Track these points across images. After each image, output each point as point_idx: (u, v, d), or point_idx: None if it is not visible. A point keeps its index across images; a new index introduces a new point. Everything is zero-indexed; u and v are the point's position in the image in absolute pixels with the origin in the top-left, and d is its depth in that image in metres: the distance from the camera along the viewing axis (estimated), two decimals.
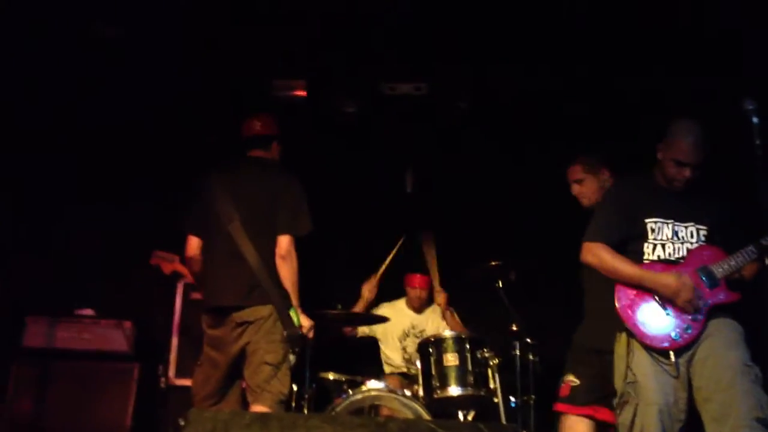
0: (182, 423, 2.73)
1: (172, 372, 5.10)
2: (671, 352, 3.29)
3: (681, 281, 3.32)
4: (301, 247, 3.86)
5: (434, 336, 4.30)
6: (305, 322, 3.80)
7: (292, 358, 3.83)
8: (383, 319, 4.83)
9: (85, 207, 5.42)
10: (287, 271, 3.77)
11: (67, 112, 5.25)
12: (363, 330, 5.20)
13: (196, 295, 4.83)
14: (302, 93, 5.41)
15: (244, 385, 3.77)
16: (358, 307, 5.10)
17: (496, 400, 4.13)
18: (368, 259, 5.22)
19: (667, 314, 3.35)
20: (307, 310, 3.88)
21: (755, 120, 2.98)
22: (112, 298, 5.25)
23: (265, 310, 3.71)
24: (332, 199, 5.12)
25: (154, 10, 4.81)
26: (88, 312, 5.13)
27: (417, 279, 5.18)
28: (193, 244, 3.96)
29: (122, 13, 4.85)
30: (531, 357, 4.42)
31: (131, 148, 5.36)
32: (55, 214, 5.41)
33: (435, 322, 5.15)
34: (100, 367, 4.95)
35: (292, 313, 3.76)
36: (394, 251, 5.15)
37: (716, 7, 4.49)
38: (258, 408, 3.57)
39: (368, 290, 5.12)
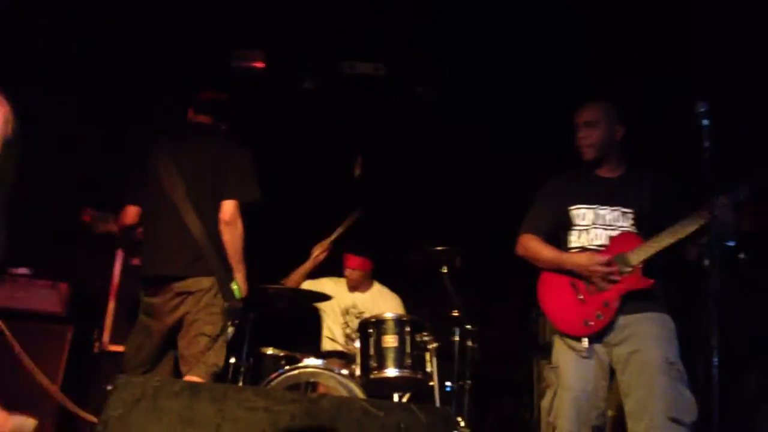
0: (109, 388, 2.67)
1: (106, 337, 5.02)
2: (584, 338, 3.34)
3: (593, 258, 3.36)
4: (245, 218, 3.81)
5: (375, 317, 4.29)
6: (245, 289, 3.75)
7: (230, 330, 3.79)
8: (325, 297, 4.80)
9: (27, 162, 5.25)
10: (230, 237, 3.71)
11: None
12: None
13: (136, 261, 4.74)
14: (261, 64, 5.35)
15: (177, 355, 3.73)
16: (305, 267, 5.06)
17: (432, 383, 4.14)
18: (312, 236, 5.17)
19: (581, 300, 3.40)
20: (249, 284, 3.85)
21: (705, 122, 3.02)
22: (51, 258, 5.10)
23: (206, 281, 3.66)
24: (281, 174, 5.06)
25: None
26: (23, 271, 5.00)
27: (352, 259, 5.17)
28: (131, 212, 3.89)
29: None
30: (470, 343, 4.47)
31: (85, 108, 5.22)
32: None
33: (375, 305, 5.14)
34: (33, 327, 4.81)
35: (233, 285, 3.72)
36: (349, 222, 5.11)
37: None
38: (192, 379, 3.52)
39: (319, 251, 5.08)
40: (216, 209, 3.72)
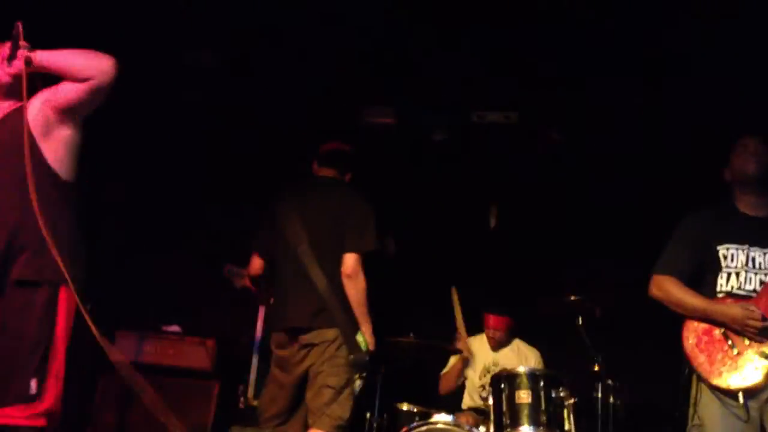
0: None
1: (250, 392, 5.17)
2: (740, 395, 3.04)
3: (748, 312, 3.07)
4: (374, 270, 3.82)
5: (507, 371, 4.14)
6: (373, 343, 3.74)
7: (358, 383, 3.78)
8: (456, 351, 4.69)
9: (176, 228, 5.58)
10: (354, 291, 3.72)
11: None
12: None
13: None
14: (390, 120, 5.43)
15: None
16: (457, 368, 5.00)
17: None
18: (445, 287, 5.09)
19: (736, 353, 3.10)
20: (378, 337, 3.84)
21: None
22: (198, 316, 5.35)
23: (330, 333, 3.68)
24: (414, 227, 5.07)
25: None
26: (175, 329, 5.28)
27: (492, 319, 5.02)
28: (256, 264, 4.02)
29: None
30: (612, 400, 4.19)
31: (221, 170, 5.49)
32: (147, 234, 5.58)
33: (517, 361, 4.97)
34: (183, 383, 5.05)
35: (358, 337, 3.73)
36: (457, 305, 5.01)
37: None
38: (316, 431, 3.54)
39: (466, 350, 5.00)
40: (339, 262, 3.76)
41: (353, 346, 3.68)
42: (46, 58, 2.60)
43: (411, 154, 5.56)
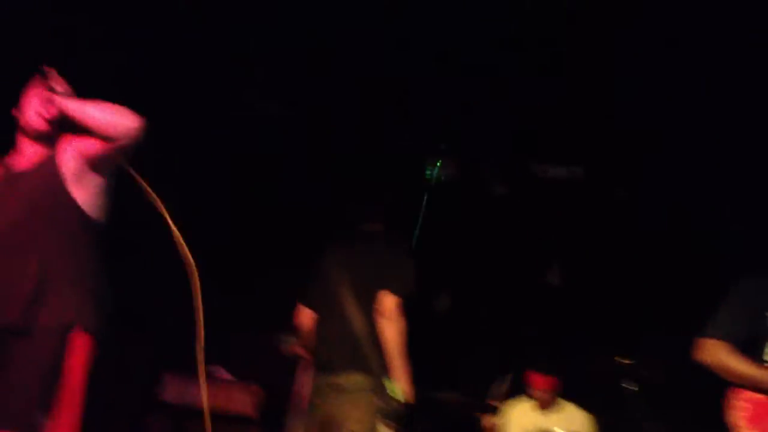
0: None
1: None
2: None
3: None
4: (422, 323, 3.70)
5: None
6: (408, 392, 3.58)
7: None
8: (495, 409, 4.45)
9: (230, 276, 5.58)
10: (389, 333, 3.58)
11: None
12: None
13: None
14: (453, 171, 5.32)
15: None
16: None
17: None
18: (496, 346, 4.89)
19: None
20: (418, 390, 3.69)
21: None
22: (246, 362, 5.30)
23: (359, 378, 3.58)
24: (474, 281, 4.91)
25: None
26: (222, 373, 5.25)
27: (538, 380, 4.77)
28: (306, 314, 3.98)
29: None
30: None
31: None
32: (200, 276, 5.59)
33: (568, 425, 4.68)
34: (226, 429, 4.99)
35: (390, 385, 3.58)
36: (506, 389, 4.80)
37: None
38: None
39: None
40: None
41: (383, 393, 3.55)
42: (75, 108, 2.63)
43: (471, 207, 5.43)
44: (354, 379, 3.58)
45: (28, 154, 2.74)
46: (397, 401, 3.53)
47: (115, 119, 2.59)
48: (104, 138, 2.60)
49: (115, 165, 2.73)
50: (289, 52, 4.63)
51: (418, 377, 3.72)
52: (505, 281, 5.27)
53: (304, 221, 5.29)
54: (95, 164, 2.65)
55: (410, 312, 3.64)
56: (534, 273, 5.13)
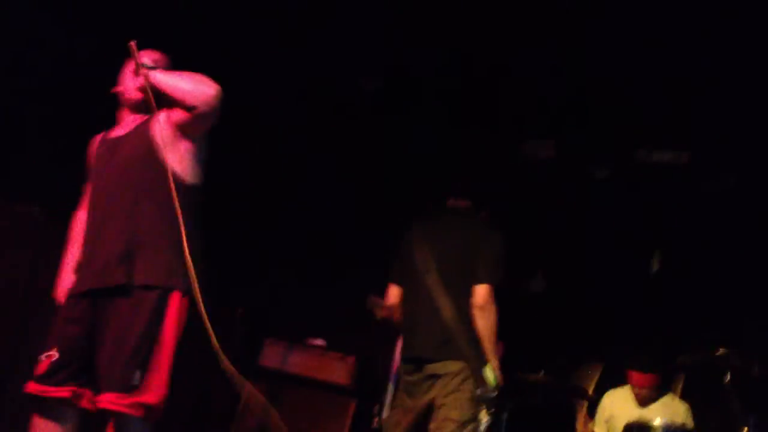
0: None
1: (385, 413, 5.17)
2: None
3: None
4: (514, 304, 3.73)
5: (639, 422, 3.87)
6: (501, 379, 3.63)
7: (485, 420, 3.68)
8: (585, 395, 4.42)
9: (332, 248, 5.74)
10: (484, 323, 3.62)
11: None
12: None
13: None
14: (550, 154, 5.28)
15: None
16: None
17: None
18: (587, 328, 4.86)
19: None
20: (509, 372, 3.74)
21: None
22: (343, 332, 5.46)
23: (455, 365, 3.62)
24: (568, 264, 4.89)
25: None
26: (319, 342, 5.43)
27: (638, 377, 4.69)
28: (393, 292, 4.01)
29: None
30: None
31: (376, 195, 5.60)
32: (304, 250, 5.78)
33: (665, 415, 4.61)
34: (322, 396, 5.18)
35: (486, 371, 3.63)
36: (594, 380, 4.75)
37: None
38: None
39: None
40: (468, 292, 3.68)
41: (480, 380, 3.60)
42: (160, 79, 2.77)
43: (571, 191, 5.37)
44: (449, 367, 3.61)
45: (126, 124, 2.92)
46: (493, 387, 3.58)
47: (193, 88, 2.72)
48: (185, 106, 2.73)
49: (203, 131, 2.84)
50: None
51: (508, 358, 3.78)
52: (602, 267, 5.20)
53: (398, 196, 5.37)
54: (182, 130, 2.78)
55: (502, 291, 3.68)
56: (632, 260, 5.04)
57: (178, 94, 2.74)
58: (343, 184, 5.56)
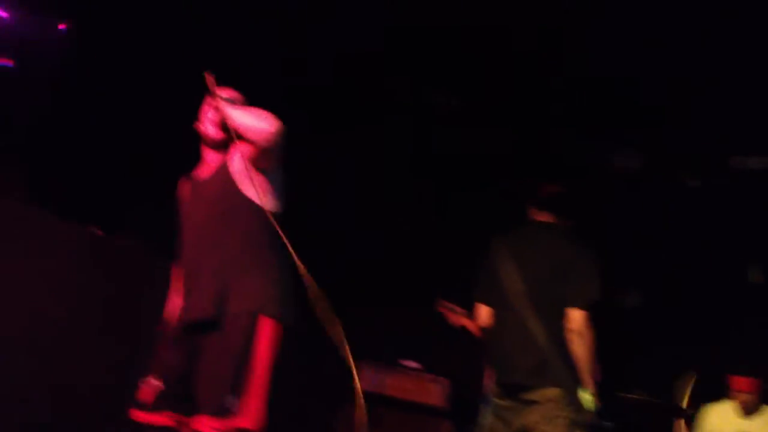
0: None
1: None
2: None
3: None
4: (607, 321, 3.64)
5: None
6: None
7: None
8: (682, 412, 4.28)
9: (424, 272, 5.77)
10: (580, 348, 3.50)
11: None
12: None
13: None
14: (638, 164, 5.18)
15: None
16: None
17: None
18: (682, 346, 4.70)
19: None
20: (603, 393, 3.66)
21: None
22: (437, 355, 5.47)
23: (552, 392, 3.49)
24: (659, 278, 4.76)
25: None
26: (414, 365, 5.45)
27: (738, 381, 4.52)
28: (483, 312, 3.87)
29: None
30: None
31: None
32: (397, 273, 5.83)
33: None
34: (417, 418, 5.19)
35: (583, 396, 3.55)
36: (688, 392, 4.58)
37: None
38: None
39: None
40: (560, 315, 3.56)
41: (577, 405, 3.52)
42: (230, 113, 2.88)
43: (662, 200, 5.24)
44: (546, 393, 3.50)
45: (209, 162, 3.03)
46: (591, 412, 3.51)
47: (254, 124, 2.81)
48: (248, 141, 2.82)
49: (271, 164, 2.89)
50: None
51: (604, 376, 3.69)
52: (698, 277, 5.05)
53: (482, 213, 5.36)
54: (252, 164, 2.85)
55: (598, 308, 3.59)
56: (729, 269, 4.87)
57: (241, 129, 2.84)
58: (436, 206, 5.60)
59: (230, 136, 2.85)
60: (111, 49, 4.69)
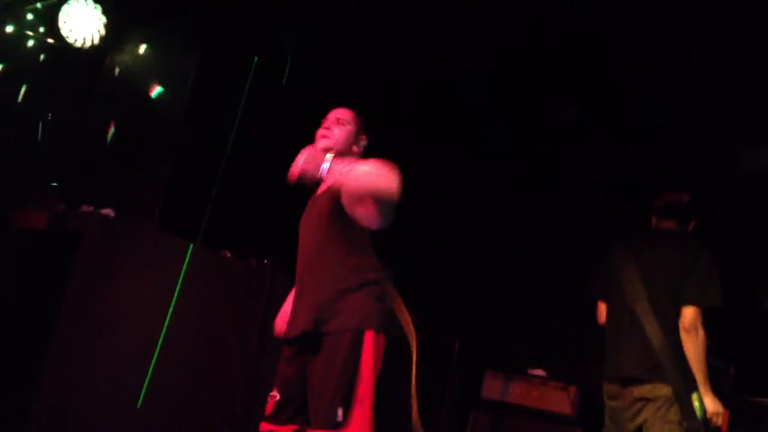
0: None
1: None
2: None
3: None
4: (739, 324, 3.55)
5: None
6: (712, 408, 3.46)
7: None
8: None
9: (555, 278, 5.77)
10: (691, 347, 3.49)
11: None
12: None
13: None
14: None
15: None
16: None
17: None
18: None
19: None
20: (736, 396, 3.56)
21: None
22: (564, 362, 5.43)
23: (665, 389, 3.50)
24: None
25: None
26: (540, 372, 5.44)
27: None
28: (604, 311, 3.96)
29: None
30: None
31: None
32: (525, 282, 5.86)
33: None
34: (544, 426, 5.17)
35: (694, 400, 3.47)
36: None
37: None
38: None
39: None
40: (676, 317, 3.56)
41: (687, 409, 3.45)
42: (336, 169, 2.80)
43: None
44: (659, 390, 3.52)
45: (325, 181, 2.97)
46: (701, 418, 3.42)
47: (374, 186, 2.67)
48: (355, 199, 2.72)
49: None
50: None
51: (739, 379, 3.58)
52: None
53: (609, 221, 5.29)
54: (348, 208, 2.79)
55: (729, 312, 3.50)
56: None
57: (360, 194, 2.71)
58: (559, 215, 5.60)
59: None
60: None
